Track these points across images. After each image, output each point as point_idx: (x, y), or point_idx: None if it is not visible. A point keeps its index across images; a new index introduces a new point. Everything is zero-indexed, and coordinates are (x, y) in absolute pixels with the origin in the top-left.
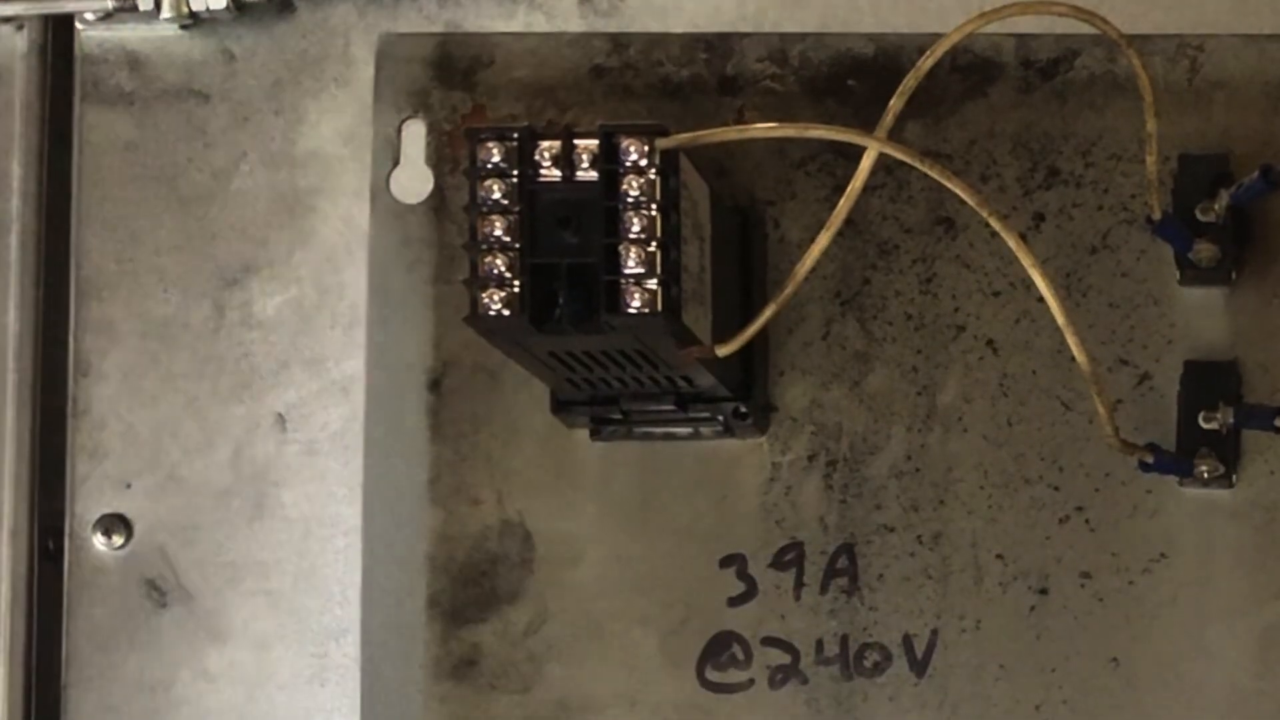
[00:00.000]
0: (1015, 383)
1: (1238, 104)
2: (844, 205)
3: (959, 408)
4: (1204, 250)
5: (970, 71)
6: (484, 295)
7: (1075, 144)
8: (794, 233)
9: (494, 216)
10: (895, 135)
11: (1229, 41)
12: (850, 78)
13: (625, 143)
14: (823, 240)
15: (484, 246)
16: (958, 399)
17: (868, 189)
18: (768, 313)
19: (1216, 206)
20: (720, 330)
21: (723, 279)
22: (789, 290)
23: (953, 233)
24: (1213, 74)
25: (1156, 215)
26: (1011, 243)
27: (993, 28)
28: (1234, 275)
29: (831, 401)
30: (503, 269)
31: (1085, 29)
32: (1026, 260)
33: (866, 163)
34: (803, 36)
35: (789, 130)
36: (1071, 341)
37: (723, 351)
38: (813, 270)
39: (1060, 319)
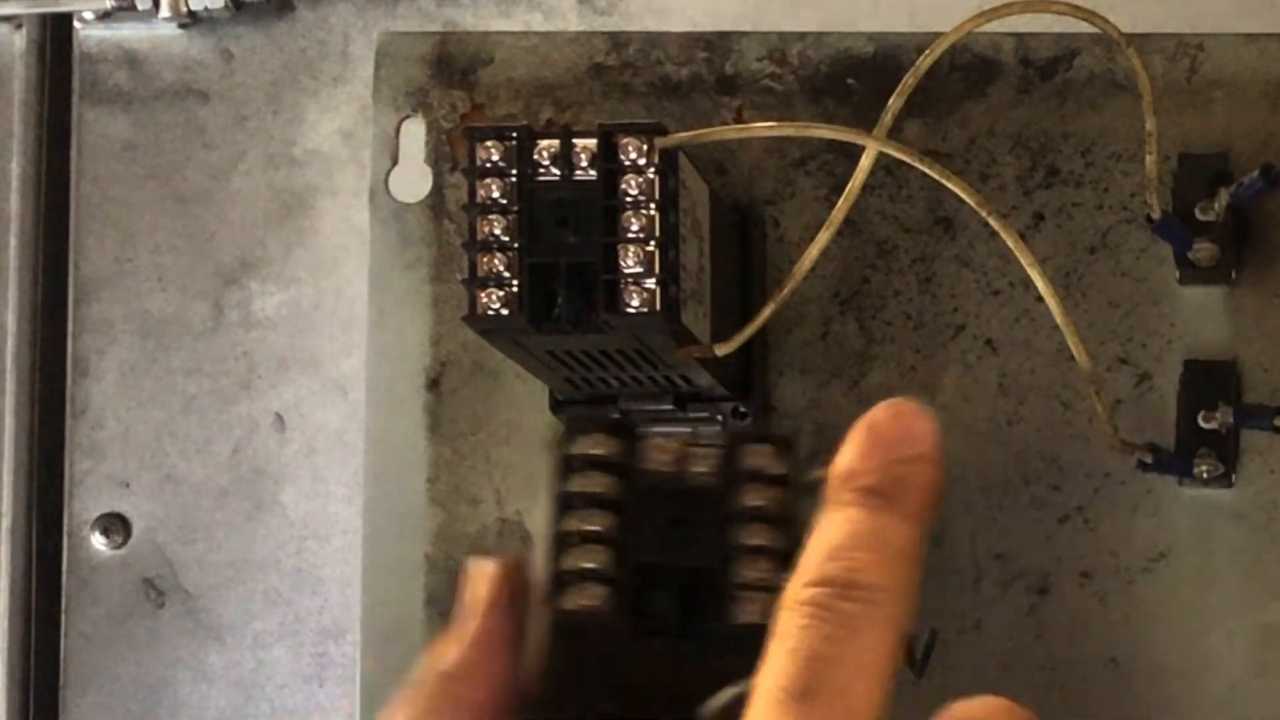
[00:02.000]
0: (1015, 382)
1: (1237, 103)
2: (843, 204)
3: (958, 407)
4: (1203, 249)
5: (969, 70)
6: (482, 295)
7: (1075, 143)
8: (793, 232)
9: (492, 216)
10: (894, 134)
11: (1229, 41)
12: (850, 77)
13: (624, 141)
14: (822, 239)
15: (482, 246)
16: (957, 398)
17: (867, 189)
18: (766, 312)
19: (1216, 206)
20: (719, 329)
21: (722, 278)
22: (787, 289)
23: (952, 232)
24: (1212, 73)
25: (1156, 214)
26: (1010, 241)
27: (992, 26)
28: (1234, 275)
29: (830, 401)
30: (501, 269)
31: (1085, 28)
32: (1026, 259)
33: (866, 162)
34: (802, 35)
35: (788, 129)
36: (1071, 341)
37: (721, 351)
38: (812, 270)
39: (1059, 318)
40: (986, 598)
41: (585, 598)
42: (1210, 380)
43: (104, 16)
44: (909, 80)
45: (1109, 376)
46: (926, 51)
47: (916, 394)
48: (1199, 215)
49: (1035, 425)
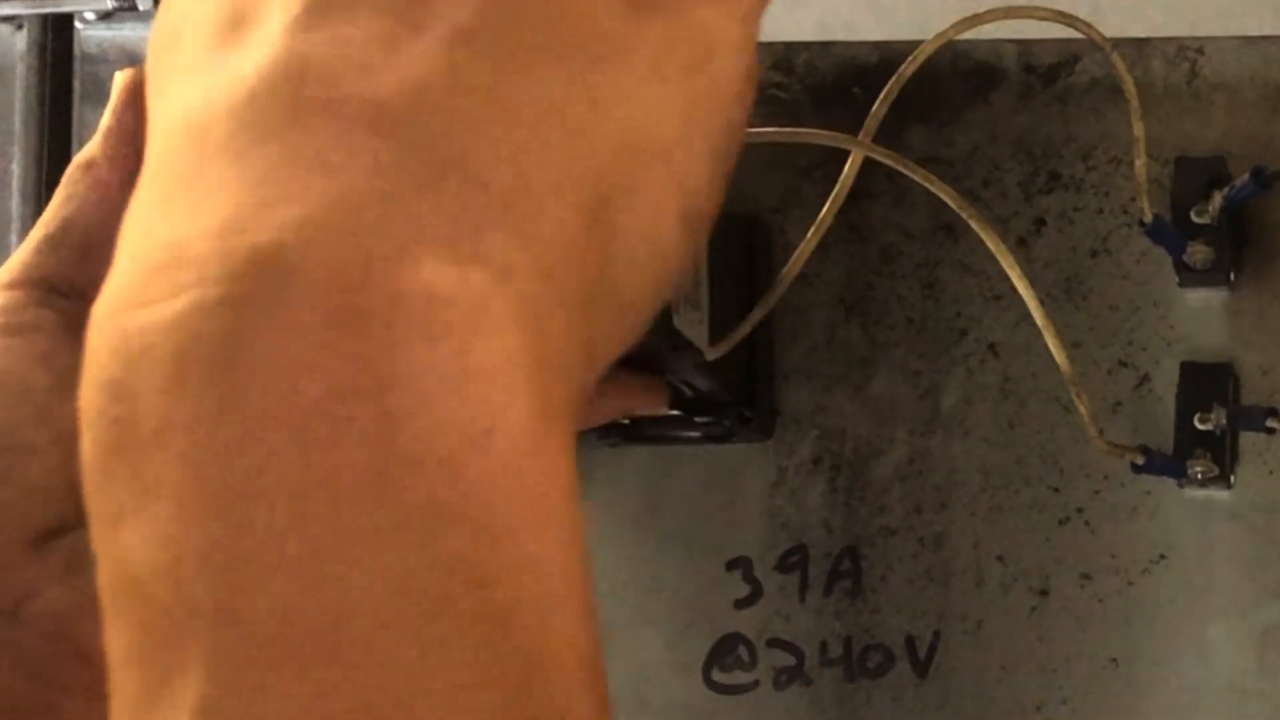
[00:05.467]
0: (1016, 386)
1: (1237, 106)
2: (829, 208)
3: (961, 411)
4: (1198, 252)
5: (972, 77)
6: None
7: (1076, 148)
8: (799, 239)
9: None
10: (898, 141)
11: (1229, 44)
12: (855, 85)
13: None
14: (811, 241)
15: None
16: (959, 402)
17: (870, 195)
18: (755, 315)
19: (1210, 208)
20: (719, 335)
21: (724, 285)
22: (778, 291)
23: (954, 238)
24: (1212, 76)
25: (1147, 218)
26: (992, 245)
27: (989, 31)
28: (1232, 277)
29: (835, 405)
30: None
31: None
32: (1005, 261)
33: (850, 167)
34: (807, 45)
35: (776, 135)
36: (1051, 342)
37: (711, 355)
38: (817, 276)
39: (1039, 318)
40: (988, 599)
41: None
42: (1207, 382)
43: (105, 17)
44: (893, 86)
45: (1109, 379)
46: (909, 58)
47: (920, 398)
48: (1195, 218)
49: (1036, 428)
